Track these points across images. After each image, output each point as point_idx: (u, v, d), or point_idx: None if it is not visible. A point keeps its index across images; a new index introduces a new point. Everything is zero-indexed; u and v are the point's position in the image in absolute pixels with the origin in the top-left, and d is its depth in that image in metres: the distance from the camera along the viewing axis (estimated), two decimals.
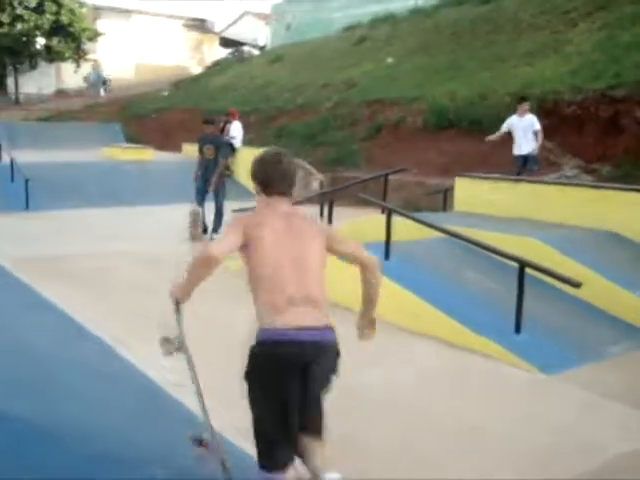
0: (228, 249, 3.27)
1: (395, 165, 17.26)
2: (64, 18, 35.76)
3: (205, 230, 12.19)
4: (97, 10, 42.17)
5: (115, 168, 17.82)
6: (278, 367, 3.22)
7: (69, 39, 36.46)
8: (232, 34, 51.25)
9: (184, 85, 34.11)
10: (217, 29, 51.44)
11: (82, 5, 38.04)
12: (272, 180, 3.48)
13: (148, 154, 19.94)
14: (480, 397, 5.37)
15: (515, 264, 6.26)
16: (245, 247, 3.32)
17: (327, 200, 11.72)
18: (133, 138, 26.02)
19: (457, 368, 5.94)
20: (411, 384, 5.54)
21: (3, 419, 3.80)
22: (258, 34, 49.56)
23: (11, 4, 35.81)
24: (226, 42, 49.24)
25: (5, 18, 35.21)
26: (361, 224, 8.93)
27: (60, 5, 35.94)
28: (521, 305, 6.10)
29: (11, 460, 3.45)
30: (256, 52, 44.43)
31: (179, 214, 14.57)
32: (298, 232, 3.45)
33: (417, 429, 4.75)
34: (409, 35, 25.49)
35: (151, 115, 28.81)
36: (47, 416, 4.15)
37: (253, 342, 3.25)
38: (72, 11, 36.35)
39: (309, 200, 16.76)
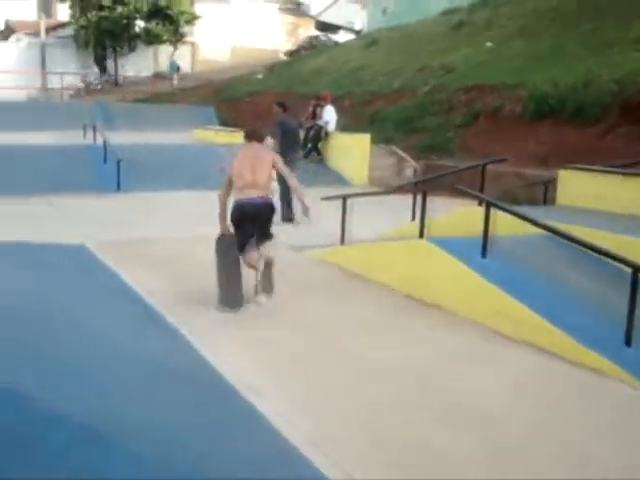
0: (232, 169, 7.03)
1: (491, 154, 16.54)
2: (163, 1, 36.21)
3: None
4: None
5: (207, 150, 17.75)
6: (242, 216, 6.84)
7: (167, 22, 36.92)
8: (327, 17, 50.96)
9: (278, 68, 33.97)
10: (313, 12, 51.19)
11: None
12: (249, 134, 7.50)
13: (241, 137, 19.77)
14: (580, 413, 4.86)
15: (628, 269, 5.65)
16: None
17: (420, 189, 11.40)
18: (226, 121, 26.00)
19: (558, 380, 5.43)
20: (506, 394, 5.09)
21: (64, 417, 3.52)
22: (354, 18, 49.13)
23: None
24: (322, 25, 48.98)
25: (106, 1, 35.90)
26: (456, 217, 8.43)
27: None
28: (633, 315, 5.50)
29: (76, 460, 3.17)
30: (349, 36, 44.06)
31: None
32: (258, 156, 7.11)
33: (508, 446, 4.30)
34: (509, 19, 24.54)
35: (245, 98, 28.78)
36: (115, 414, 3.88)
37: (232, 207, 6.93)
38: None
39: (401, 188, 16.49)
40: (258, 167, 6.86)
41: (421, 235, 6.92)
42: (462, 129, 18.29)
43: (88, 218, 11.34)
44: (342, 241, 8.30)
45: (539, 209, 9.41)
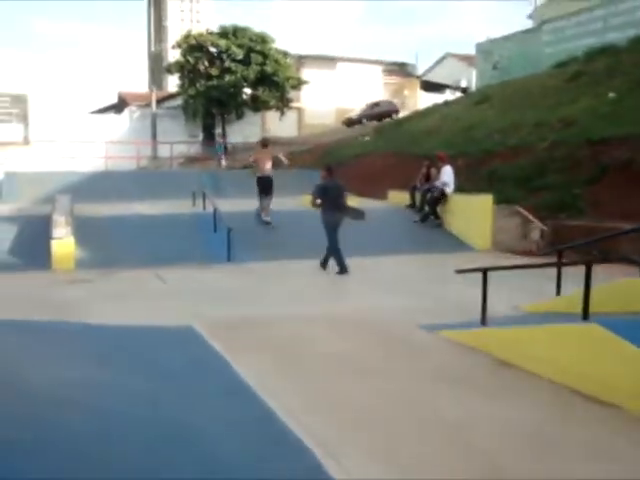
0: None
1: (628, 211, 15.18)
2: (269, 68, 36.57)
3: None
4: (301, 59, 42.90)
5: (317, 217, 17.00)
6: (262, 181, 16.57)
7: (274, 88, 37.16)
8: (433, 77, 50.44)
9: (386, 129, 33.36)
10: (418, 72, 50.86)
11: (287, 55, 38.78)
12: (263, 143, 18.08)
13: (353, 202, 18.97)
14: None
15: None
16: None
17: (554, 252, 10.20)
18: None
19: None
20: None
21: None
22: (460, 76, 48.40)
23: (220, 58, 37.16)
24: (427, 85, 48.45)
25: (214, 71, 36.52)
26: (616, 289, 7.17)
27: (266, 56, 36.83)
28: None
29: None
30: (457, 94, 43.25)
31: (394, 267, 13.48)
32: (270, 152, 17.45)
33: None
34: (633, 67, 23.01)
35: (352, 161, 28.23)
36: None
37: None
38: (277, 61, 37.14)
39: (528, 253, 15.24)
40: (270, 157, 17.13)
41: (585, 316, 5.74)
42: (590, 185, 16.91)
43: (197, 292, 10.67)
44: (483, 320, 7.18)
45: None
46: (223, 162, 34.26)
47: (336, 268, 12.48)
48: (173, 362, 6.08)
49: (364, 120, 39.73)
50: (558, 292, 8.40)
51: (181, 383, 5.45)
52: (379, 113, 40.96)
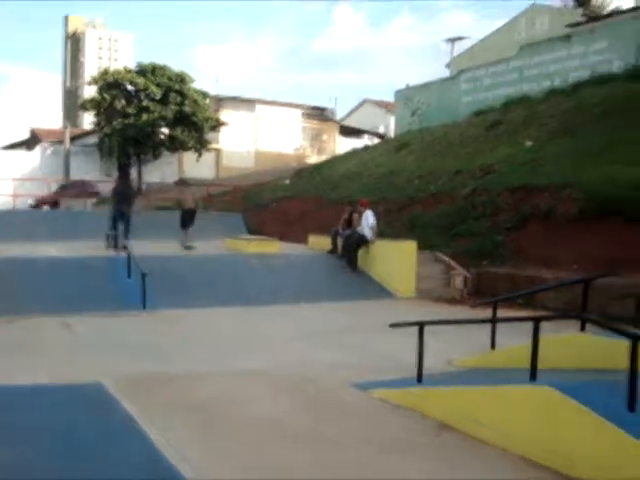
0: None
1: (548, 258, 15.17)
2: (187, 108, 35.97)
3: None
4: (220, 100, 42.48)
5: (240, 262, 16.44)
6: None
7: (192, 129, 36.55)
8: (352, 122, 50.83)
9: (306, 174, 33.14)
10: (338, 117, 51.21)
11: (206, 95, 38.30)
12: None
13: (275, 246, 18.51)
14: None
15: None
16: None
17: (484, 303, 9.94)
18: (253, 228, 24.97)
19: None
20: None
21: None
22: (378, 122, 48.91)
23: (137, 96, 36.38)
24: (346, 130, 48.72)
25: (132, 109, 35.69)
26: (555, 345, 6.84)
27: (184, 96, 36.22)
28: None
29: None
30: (375, 140, 43.61)
31: (317, 316, 12.93)
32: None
33: None
34: (549, 117, 23.52)
35: (272, 204, 27.82)
36: None
37: None
38: (196, 102, 36.58)
39: (452, 301, 15.01)
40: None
41: (533, 376, 5.35)
42: (512, 232, 16.95)
43: (108, 344, 9.82)
44: (419, 378, 6.71)
45: None
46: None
47: None
48: (76, 430, 5.35)
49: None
50: (493, 345, 8.06)
51: (85, 458, 4.74)
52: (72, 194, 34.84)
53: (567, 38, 27.53)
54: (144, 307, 12.83)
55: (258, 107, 44.36)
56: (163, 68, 36.88)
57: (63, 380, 7.16)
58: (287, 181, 32.14)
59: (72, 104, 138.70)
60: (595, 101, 21.97)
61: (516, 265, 15.47)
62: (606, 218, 15.06)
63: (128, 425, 5.57)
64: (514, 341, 6.99)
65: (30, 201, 32.79)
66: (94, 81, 37.42)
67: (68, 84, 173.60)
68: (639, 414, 4.67)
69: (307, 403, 6.60)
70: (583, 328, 7.10)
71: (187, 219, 18.92)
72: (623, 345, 4.98)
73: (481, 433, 5.46)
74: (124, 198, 18.76)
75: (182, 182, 20.75)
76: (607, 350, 6.29)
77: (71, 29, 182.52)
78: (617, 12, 27.21)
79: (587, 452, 4.73)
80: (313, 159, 43.25)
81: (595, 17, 29.20)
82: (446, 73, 37.38)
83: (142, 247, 15.51)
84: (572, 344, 6.90)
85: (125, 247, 15.38)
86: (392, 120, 42.07)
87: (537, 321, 5.45)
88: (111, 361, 8.54)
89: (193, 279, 14.67)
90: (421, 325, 6.80)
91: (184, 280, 14.53)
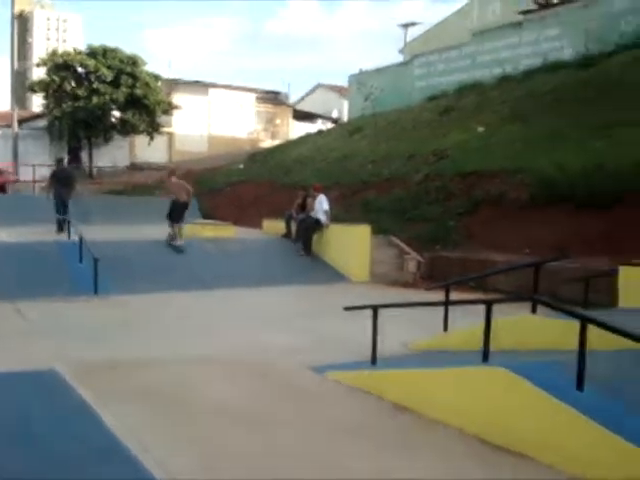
0: None
1: (499, 243, 15.40)
2: (139, 91, 35.44)
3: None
4: (173, 84, 41.97)
5: (195, 246, 16.34)
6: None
7: (144, 112, 36.04)
8: (305, 106, 50.72)
9: (260, 158, 33.01)
10: (291, 101, 51.03)
11: (158, 78, 37.79)
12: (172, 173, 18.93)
13: (230, 231, 18.44)
14: None
15: None
16: None
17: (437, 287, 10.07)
18: (207, 213, 24.81)
19: None
20: None
21: None
22: (332, 106, 48.90)
23: (88, 78, 35.74)
24: (299, 114, 48.62)
25: (82, 92, 35.05)
26: (505, 326, 6.95)
27: (136, 78, 35.70)
28: None
29: None
30: (329, 124, 43.61)
31: (271, 300, 12.96)
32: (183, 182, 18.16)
33: None
34: (500, 103, 23.82)
35: (225, 189, 27.67)
36: None
37: None
38: (147, 84, 36.07)
39: (405, 285, 15.16)
40: None
41: (486, 357, 5.45)
42: (464, 217, 17.14)
43: (60, 330, 9.71)
44: (373, 360, 6.78)
45: (611, 312, 7.93)
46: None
47: None
48: (29, 417, 5.28)
49: None
50: (446, 328, 8.17)
51: (40, 445, 4.69)
52: None
53: (519, 25, 27.84)
54: (96, 292, 12.68)
55: (211, 91, 43.94)
56: (114, 50, 36.25)
57: (16, 366, 7.05)
58: (241, 165, 31.97)
59: (20, 86, 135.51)
60: (546, 88, 22.30)
61: (468, 249, 15.67)
62: (556, 204, 15.30)
63: (81, 408, 5.53)
64: (467, 323, 7.12)
65: None
66: (43, 62, 36.61)
67: (16, 66, 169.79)
68: (587, 393, 4.80)
69: (263, 387, 6.61)
70: (534, 310, 7.25)
71: (178, 213, 16.70)
72: (573, 326, 5.10)
73: (436, 414, 5.55)
74: (64, 183, 18.04)
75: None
76: (558, 331, 6.43)
77: (18, 9, 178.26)
78: (568, 0, 27.52)
79: (538, 430, 4.84)
80: (267, 143, 43.07)
81: (546, 4, 29.49)
82: (400, 58, 37.49)
83: (94, 232, 15.28)
84: (524, 326, 7.04)
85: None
86: (345, 105, 42.13)
87: (489, 304, 5.55)
88: (64, 347, 8.44)
89: (146, 264, 14.55)
90: (375, 308, 6.87)
91: (137, 265, 14.40)
